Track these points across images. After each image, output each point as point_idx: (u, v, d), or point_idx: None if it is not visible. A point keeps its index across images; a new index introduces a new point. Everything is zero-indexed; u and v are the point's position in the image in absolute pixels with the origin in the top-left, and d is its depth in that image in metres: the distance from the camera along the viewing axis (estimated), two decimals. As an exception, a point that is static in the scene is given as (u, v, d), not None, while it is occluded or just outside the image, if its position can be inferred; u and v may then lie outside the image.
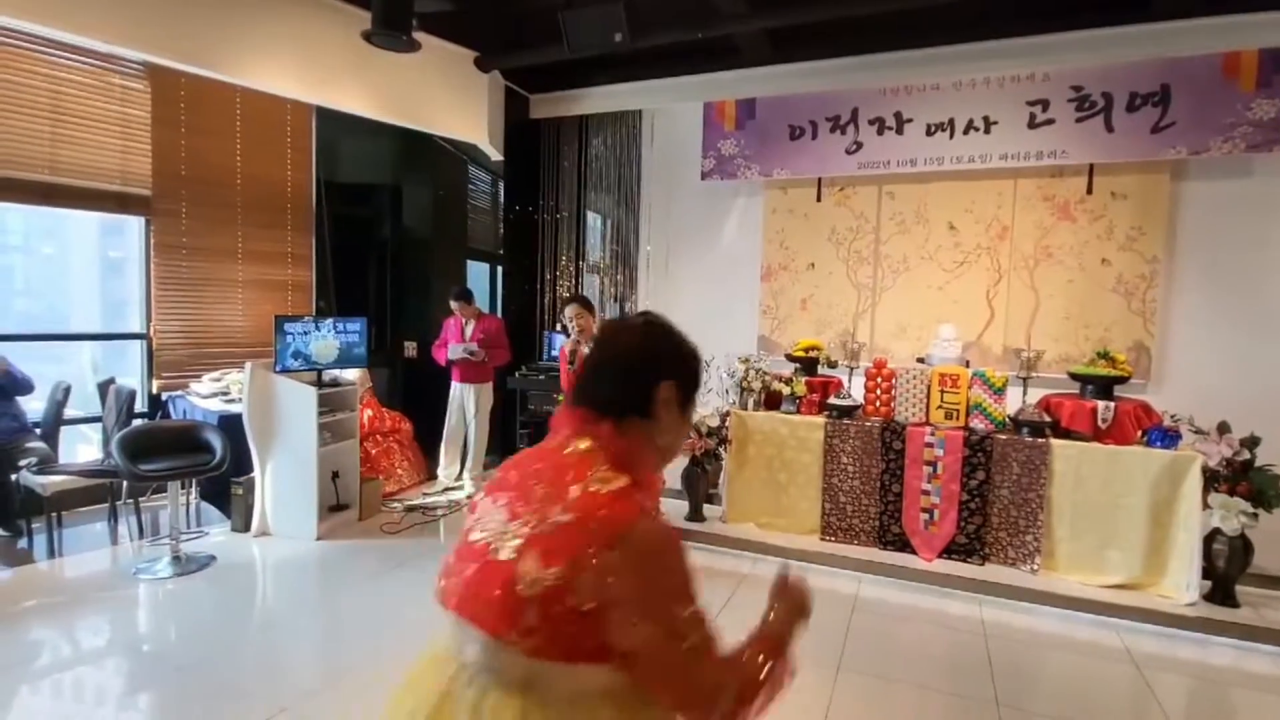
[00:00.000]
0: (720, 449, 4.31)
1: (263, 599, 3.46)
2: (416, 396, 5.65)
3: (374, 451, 5.09)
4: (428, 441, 5.39)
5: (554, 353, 6.03)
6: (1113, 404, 3.69)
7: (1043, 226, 5.00)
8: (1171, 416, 3.59)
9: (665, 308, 6.24)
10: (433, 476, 5.34)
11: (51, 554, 3.74)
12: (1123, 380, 3.84)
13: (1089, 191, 4.87)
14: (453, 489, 5.19)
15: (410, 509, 4.72)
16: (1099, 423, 3.67)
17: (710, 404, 4.48)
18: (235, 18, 4.34)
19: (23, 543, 3.84)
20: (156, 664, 2.72)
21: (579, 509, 0.94)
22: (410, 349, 5.16)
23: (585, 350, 3.56)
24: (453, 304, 5.08)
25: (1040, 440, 3.65)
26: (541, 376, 5.83)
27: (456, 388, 5.21)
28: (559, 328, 6.19)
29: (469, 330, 5.09)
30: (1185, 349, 4.71)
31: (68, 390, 4.24)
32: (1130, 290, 4.79)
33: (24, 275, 6.28)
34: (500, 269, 6.81)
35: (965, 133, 5.00)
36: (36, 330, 5.01)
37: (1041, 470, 3.62)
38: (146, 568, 3.55)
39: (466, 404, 5.19)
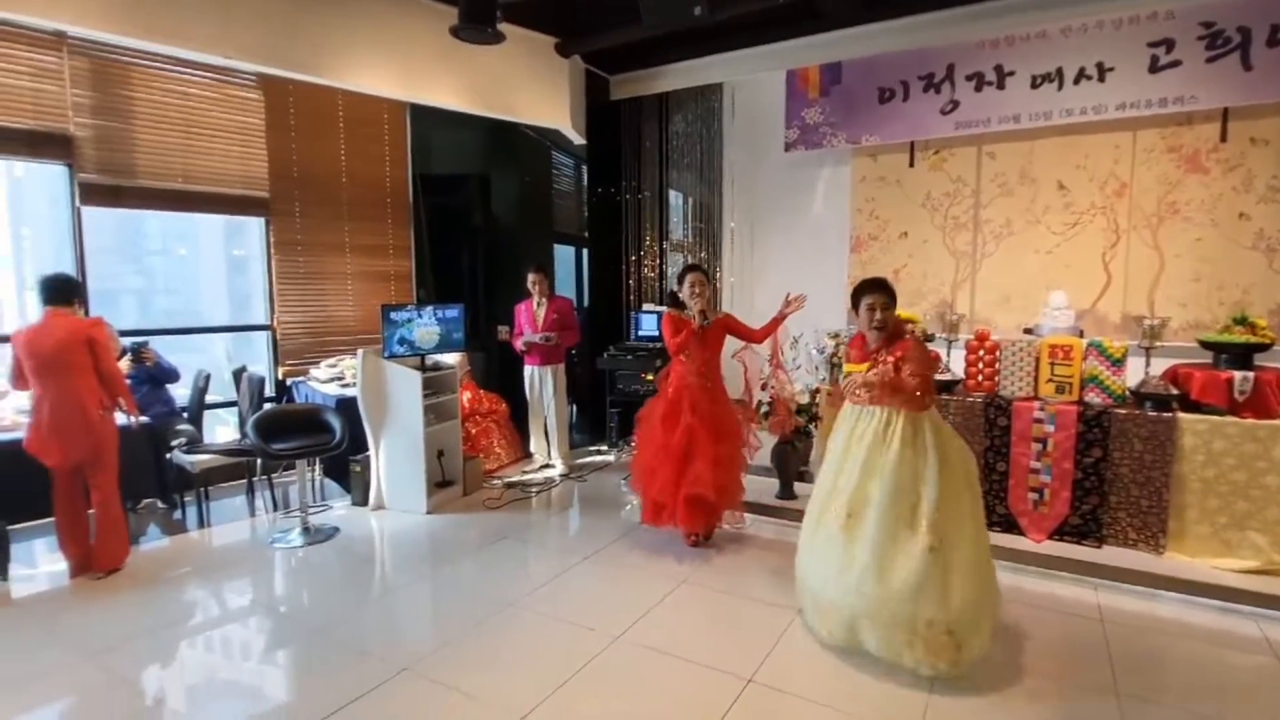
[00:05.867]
0: (811, 426, 4.26)
1: (381, 567, 3.75)
2: (511, 378, 5.86)
3: (474, 431, 5.35)
4: (523, 421, 5.60)
5: (641, 333, 6.08)
6: (1251, 374, 3.36)
7: (1168, 181, 4.58)
8: (1323, 386, 3.24)
9: (750, 284, 6.22)
10: (529, 454, 5.56)
11: (201, 524, 4.19)
12: (1264, 348, 3.48)
13: (1223, 139, 4.40)
14: (549, 466, 5.39)
15: (509, 485, 4.95)
16: (1235, 395, 3.35)
17: (800, 380, 4.42)
18: (334, 25, 4.61)
19: (177, 514, 4.33)
20: (292, 624, 3.01)
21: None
22: (504, 333, 5.38)
23: (697, 319, 3.57)
24: (530, 276, 5.15)
25: (1166, 414, 3.38)
26: (630, 356, 5.89)
27: (532, 371, 5.29)
28: (650, 305, 6.25)
29: (541, 311, 5.19)
30: (1342, 310, 4.21)
31: (208, 378, 4.71)
32: (1273, 247, 4.32)
33: (163, 275, 6.97)
34: (586, 251, 6.92)
35: (1076, 82, 4.63)
36: (177, 325, 5.56)
37: (1168, 446, 3.36)
38: (281, 537, 3.92)
39: (545, 386, 5.28)
